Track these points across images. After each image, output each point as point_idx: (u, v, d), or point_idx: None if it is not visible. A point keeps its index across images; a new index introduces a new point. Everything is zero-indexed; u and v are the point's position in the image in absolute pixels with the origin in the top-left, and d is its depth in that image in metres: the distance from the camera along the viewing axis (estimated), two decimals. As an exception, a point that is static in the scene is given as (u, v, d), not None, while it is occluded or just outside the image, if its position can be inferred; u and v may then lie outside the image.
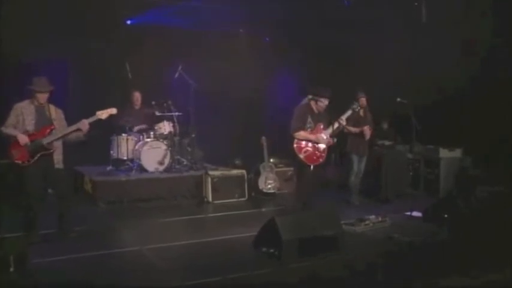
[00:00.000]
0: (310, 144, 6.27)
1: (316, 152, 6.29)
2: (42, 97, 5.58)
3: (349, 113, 6.54)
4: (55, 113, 5.71)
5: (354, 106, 6.61)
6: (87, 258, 5.05)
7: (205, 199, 8.12)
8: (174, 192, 8.08)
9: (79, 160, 8.21)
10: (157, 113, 8.88)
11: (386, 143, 8.74)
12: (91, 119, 5.64)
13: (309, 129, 6.30)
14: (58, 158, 5.68)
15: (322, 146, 6.31)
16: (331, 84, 9.53)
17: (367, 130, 7.72)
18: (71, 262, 4.94)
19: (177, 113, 8.84)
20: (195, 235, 6.01)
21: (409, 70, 8.94)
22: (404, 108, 7.43)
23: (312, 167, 6.28)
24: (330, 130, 6.35)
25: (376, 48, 9.47)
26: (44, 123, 5.59)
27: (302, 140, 6.25)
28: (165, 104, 8.84)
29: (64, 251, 5.17)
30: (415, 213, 6.87)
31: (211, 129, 9.46)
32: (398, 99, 7.43)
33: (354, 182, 7.95)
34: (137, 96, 9.08)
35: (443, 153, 8.65)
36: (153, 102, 8.91)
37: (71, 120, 5.81)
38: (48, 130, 5.57)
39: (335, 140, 6.46)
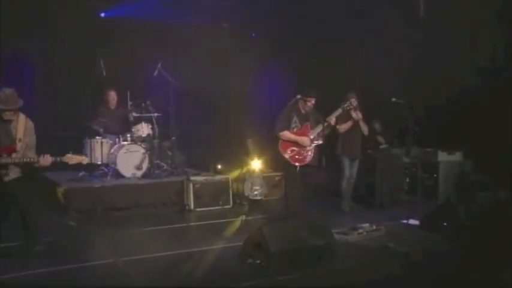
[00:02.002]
0: (295, 144, 6.53)
1: (302, 152, 6.54)
2: (8, 114, 5.33)
3: (338, 111, 6.74)
4: (23, 128, 5.42)
5: (346, 105, 6.81)
6: (56, 273, 4.97)
7: (187, 207, 8.08)
8: (153, 199, 8.03)
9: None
10: (134, 114, 8.82)
11: (382, 146, 8.78)
12: (57, 159, 5.41)
13: (294, 130, 6.59)
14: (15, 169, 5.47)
15: (307, 146, 6.52)
16: (323, 83, 9.57)
17: (358, 117, 7.67)
18: (38, 278, 4.86)
19: (156, 114, 8.82)
20: (175, 246, 5.97)
21: (407, 69, 8.97)
22: (401, 109, 7.46)
23: (298, 167, 6.51)
24: (318, 129, 6.58)
25: (371, 46, 9.50)
26: (4, 142, 5.34)
27: (286, 140, 6.53)
28: (143, 104, 8.82)
29: (30, 266, 5.06)
30: (412, 221, 6.88)
31: (194, 131, 9.42)
32: (394, 99, 7.46)
33: (345, 187, 7.96)
34: (113, 95, 9.01)
35: (442, 156, 8.69)
36: (130, 103, 8.86)
37: (38, 125, 5.66)
38: (6, 152, 5.31)
39: (321, 140, 6.59)
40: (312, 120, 6.66)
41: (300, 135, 6.57)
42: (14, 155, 5.35)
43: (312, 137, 6.56)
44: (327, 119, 6.57)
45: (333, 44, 10.04)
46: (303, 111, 6.65)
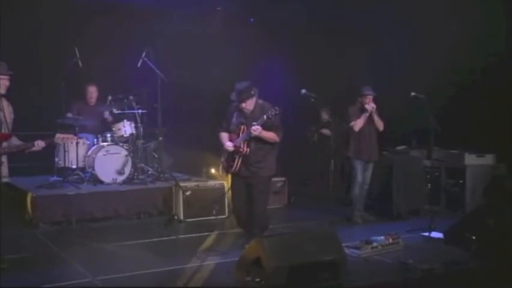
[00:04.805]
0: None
1: (228, 159, 6.38)
2: (3, 84, 5.49)
3: (263, 119, 6.08)
4: (8, 111, 5.60)
5: (271, 112, 6.09)
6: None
7: (176, 217, 8.06)
8: (136, 208, 8.05)
9: (15, 169, 8.06)
10: (115, 111, 8.82)
11: (399, 147, 8.76)
12: (47, 141, 5.59)
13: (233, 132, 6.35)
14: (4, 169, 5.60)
15: (234, 154, 6.31)
16: (329, 75, 9.58)
17: (371, 107, 7.63)
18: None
19: (140, 111, 8.85)
20: (162, 262, 5.95)
21: (427, 60, 8.95)
22: (421, 105, 7.43)
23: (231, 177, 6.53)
24: (243, 137, 6.21)
25: (384, 32, 9.49)
26: None
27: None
28: (125, 100, 8.84)
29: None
30: (435, 234, 6.90)
31: (183, 130, 9.42)
32: (413, 94, 7.44)
33: (357, 194, 7.96)
34: (92, 90, 9.09)
35: (470, 159, 8.66)
36: (110, 98, 8.86)
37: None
38: (3, 138, 5.40)
39: (246, 149, 6.21)
40: (251, 123, 6.13)
41: (228, 139, 6.34)
42: (5, 143, 5.45)
43: (237, 144, 6.23)
44: (252, 129, 6.03)
45: (338, 29, 10.03)
46: (245, 110, 6.27)
